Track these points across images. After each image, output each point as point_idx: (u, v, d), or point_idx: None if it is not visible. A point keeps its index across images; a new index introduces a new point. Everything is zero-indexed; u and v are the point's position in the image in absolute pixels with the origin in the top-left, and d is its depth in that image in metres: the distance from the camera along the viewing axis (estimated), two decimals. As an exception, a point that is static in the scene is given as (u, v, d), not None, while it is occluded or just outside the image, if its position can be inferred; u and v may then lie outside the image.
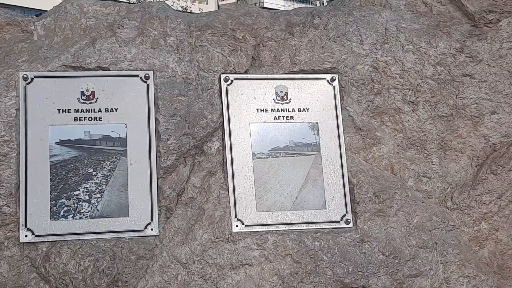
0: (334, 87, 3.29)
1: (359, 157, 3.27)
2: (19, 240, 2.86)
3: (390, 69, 3.34)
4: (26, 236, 2.86)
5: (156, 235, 2.98)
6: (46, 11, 3.47)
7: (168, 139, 3.07)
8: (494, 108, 3.35)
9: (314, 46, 3.34)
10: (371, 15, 3.41)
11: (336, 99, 3.30)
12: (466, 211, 3.28)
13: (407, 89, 3.34)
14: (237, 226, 3.07)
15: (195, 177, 3.13)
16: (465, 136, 3.34)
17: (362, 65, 3.34)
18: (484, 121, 3.35)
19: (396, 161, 3.30)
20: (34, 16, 3.24)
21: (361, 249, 3.11)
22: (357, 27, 3.38)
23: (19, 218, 2.88)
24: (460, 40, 3.41)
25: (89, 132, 3.01)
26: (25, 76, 2.99)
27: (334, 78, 3.30)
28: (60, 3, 3.26)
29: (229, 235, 3.05)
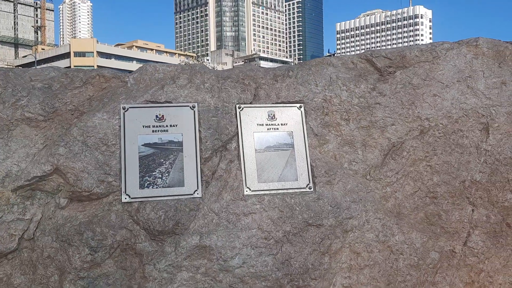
0: (301, 111, 3.21)
1: (316, 151, 3.19)
2: (121, 200, 2.79)
3: (333, 100, 3.25)
4: (125, 198, 2.79)
5: (200, 197, 2.88)
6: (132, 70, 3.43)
7: (206, 142, 2.99)
8: (393, 122, 3.26)
9: (290, 87, 3.25)
10: (322, 69, 3.33)
11: (302, 118, 3.21)
12: (378, 181, 3.18)
13: (343, 111, 3.25)
14: (247, 191, 2.97)
15: (222, 163, 3.01)
16: (377, 138, 3.25)
17: (317, 98, 3.25)
18: (387, 130, 3.25)
19: (338, 153, 3.21)
20: (128, 73, 3.21)
21: (318, 203, 3.02)
22: (314, 76, 3.29)
23: (121, 188, 2.80)
24: (373, 83, 3.33)
25: (161, 138, 2.94)
26: (124, 107, 2.91)
27: (301, 106, 3.22)
28: (142, 66, 3.21)
29: (242, 196, 2.95)
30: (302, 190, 3.07)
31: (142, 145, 2.90)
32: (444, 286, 3.16)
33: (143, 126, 2.93)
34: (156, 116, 2.97)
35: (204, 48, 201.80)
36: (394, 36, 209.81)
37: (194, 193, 2.89)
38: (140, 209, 2.79)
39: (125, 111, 2.91)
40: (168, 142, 2.95)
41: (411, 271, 3.10)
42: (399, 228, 3.12)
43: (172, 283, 2.71)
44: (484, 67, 3.42)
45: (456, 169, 3.27)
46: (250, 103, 3.18)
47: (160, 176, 2.87)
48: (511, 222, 3.31)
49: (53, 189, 2.79)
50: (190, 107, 3.03)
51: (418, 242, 3.12)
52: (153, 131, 2.95)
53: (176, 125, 2.98)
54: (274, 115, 3.19)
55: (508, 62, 3.46)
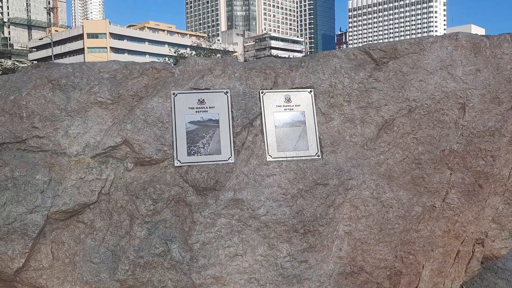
0: (311, 95, 3.66)
1: (323, 127, 3.64)
2: (174, 165, 3.34)
3: (337, 86, 3.70)
4: (177, 163, 3.34)
5: (233, 162, 3.40)
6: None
7: (237, 120, 3.50)
8: (386, 103, 3.68)
9: (302, 75, 3.71)
10: (328, 60, 3.79)
11: (312, 100, 3.65)
12: (373, 150, 3.64)
13: (345, 94, 3.68)
14: (269, 158, 3.45)
15: (249, 136, 3.50)
16: (373, 116, 3.68)
17: (324, 84, 3.69)
18: (381, 109, 3.69)
19: (341, 128, 3.66)
20: (173, 65, 3.72)
21: (325, 168, 3.49)
22: (321, 66, 3.74)
23: (173, 155, 3.36)
24: (369, 71, 3.76)
25: (202, 117, 3.46)
26: (174, 92, 3.46)
27: (311, 90, 3.66)
28: (186, 59, 3.75)
29: (265, 162, 3.44)
30: (312, 157, 3.54)
31: (188, 122, 3.44)
32: (426, 233, 3.83)
33: (189, 107, 3.47)
34: (198, 100, 3.52)
35: (214, 28, 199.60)
36: (408, 14, 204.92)
37: (228, 159, 3.42)
38: (188, 171, 3.37)
39: (175, 96, 3.48)
40: (208, 120, 3.48)
41: (398, 220, 3.74)
42: (390, 187, 3.60)
43: (214, 227, 3.46)
44: (462, 57, 3.98)
45: (438, 140, 3.74)
46: (271, 89, 3.64)
47: (202, 146, 3.43)
48: (482, 183, 3.96)
49: (122, 156, 3.54)
50: (224, 92, 3.56)
51: (405, 198, 3.72)
52: (196, 111, 3.48)
53: (214, 107, 3.50)
54: (289, 98, 3.64)
55: (482, 52, 4.05)
